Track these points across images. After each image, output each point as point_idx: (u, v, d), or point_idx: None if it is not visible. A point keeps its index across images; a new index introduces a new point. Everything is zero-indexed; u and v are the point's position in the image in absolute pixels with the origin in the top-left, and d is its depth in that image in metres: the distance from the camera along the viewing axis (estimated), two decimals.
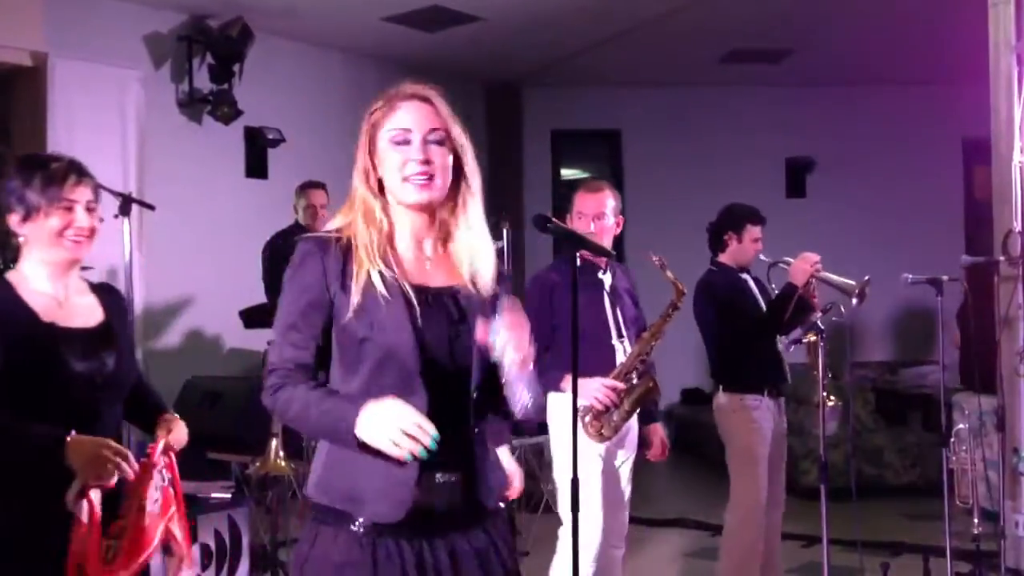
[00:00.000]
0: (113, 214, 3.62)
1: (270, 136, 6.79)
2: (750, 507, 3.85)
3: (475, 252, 1.87)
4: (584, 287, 3.24)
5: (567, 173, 8.74)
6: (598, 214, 3.46)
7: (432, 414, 1.71)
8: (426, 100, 1.83)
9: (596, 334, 3.39)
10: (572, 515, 2.76)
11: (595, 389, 3.30)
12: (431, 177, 1.80)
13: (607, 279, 3.51)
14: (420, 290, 1.80)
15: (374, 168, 1.84)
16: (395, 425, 1.64)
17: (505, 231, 5.68)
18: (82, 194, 2.22)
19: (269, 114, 6.80)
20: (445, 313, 1.82)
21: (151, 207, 3.86)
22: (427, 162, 1.80)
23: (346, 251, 1.80)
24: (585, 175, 8.95)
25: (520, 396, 1.73)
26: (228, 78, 6.47)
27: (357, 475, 1.76)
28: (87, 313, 2.27)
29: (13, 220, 2.21)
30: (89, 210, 2.24)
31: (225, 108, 6.45)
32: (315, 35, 6.97)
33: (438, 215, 1.87)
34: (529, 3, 6.39)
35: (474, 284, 1.86)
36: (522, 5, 6.42)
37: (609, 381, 3.34)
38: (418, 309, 1.77)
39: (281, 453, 3.64)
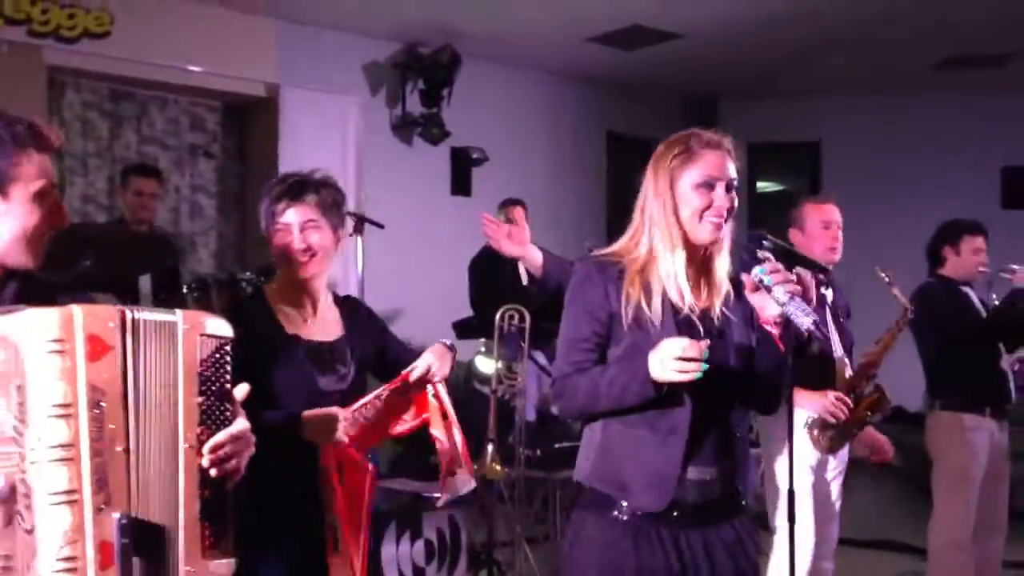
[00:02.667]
0: (348, 233, 3.95)
1: (474, 156, 7.12)
2: (955, 530, 3.73)
3: (727, 277, 2.08)
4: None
5: (763, 186, 8.64)
6: (840, 224, 3.45)
7: (696, 419, 1.95)
8: (726, 150, 2.04)
9: (821, 351, 3.35)
10: (789, 525, 2.80)
11: (827, 403, 3.28)
12: (726, 220, 2.02)
13: (829, 294, 3.45)
14: (688, 310, 2.01)
15: (676, 206, 2.02)
16: (672, 357, 1.83)
17: None
18: (296, 215, 2.31)
19: (474, 134, 7.13)
20: (707, 330, 2.01)
21: (380, 226, 4.16)
22: (730, 209, 2.02)
23: (621, 273, 2.02)
24: (782, 188, 8.82)
25: (801, 320, 1.87)
26: (437, 102, 6.84)
27: (625, 466, 1.99)
28: (329, 328, 2.42)
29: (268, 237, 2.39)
30: (306, 229, 2.32)
31: (434, 130, 6.83)
32: (518, 58, 7.24)
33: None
34: (729, 19, 6.39)
35: (732, 305, 2.06)
36: (722, 21, 6.43)
37: (839, 395, 3.29)
38: (694, 326, 1.99)
39: (496, 458, 3.84)
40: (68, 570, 1.39)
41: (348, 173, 6.52)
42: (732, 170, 2.03)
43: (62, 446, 1.41)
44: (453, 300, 5.97)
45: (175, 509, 1.52)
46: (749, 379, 2.03)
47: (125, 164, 5.35)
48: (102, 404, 1.45)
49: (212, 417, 1.58)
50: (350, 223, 3.94)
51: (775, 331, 1.97)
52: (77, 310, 1.46)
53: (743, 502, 2.09)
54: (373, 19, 6.42)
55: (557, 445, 4.34)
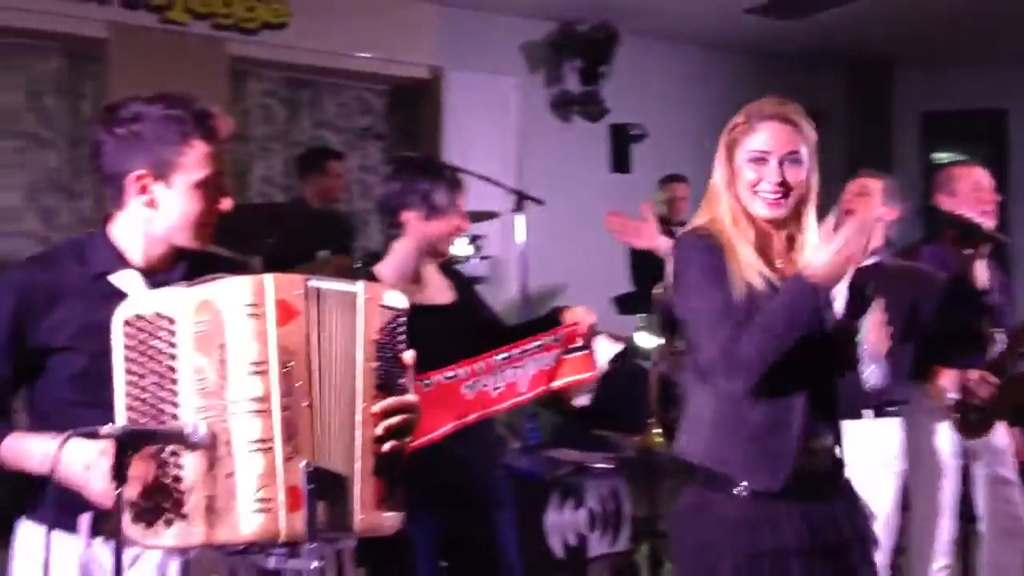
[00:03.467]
0: (510, 209, 4.07)
1: (633, 132, 7.11)
2: None
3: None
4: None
5: (940, 157, 8.22)
6: (992, 189, 3.29)
7: (812, 397, 1.94)
8: (787, 121, 1.96)
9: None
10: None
11: (971, 382, 3.15)
12: (784, 196, 1.95)
13: (985, 267, 3.30)
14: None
15: (733, 179, 2.00)
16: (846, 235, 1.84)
17: None
18: (465, 201, 2.61)
19: (633, 111, 7.11)
20: None
21: (541, 202, 4.25)
22: (782, 184, 1.95)
23: (722, 247, 1.97)
24: (961, 158, 8.37)
25: (871, 378, 1.92)
26: (596, 79, 6.87)
27: (738, 446, 1.94)
28: (441, 293, 2.62)
29: (410, 216, 2.53)
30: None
31: (593, 107, 6.88)
32: (678, 32, 7.16)
33: (784, 224, 2.02)
34: None
35: None
36: None
37: (983, 373, 3.14)
38: None
39: (658, 431, 3.88)
40: (263, 510, 1.54)
41: (508, 152, 6.64)
42: (795, 143, 1.95)
43: (257, 399, 1.56)
44: (613, 276, 6.01)
45: (352, 462, 1.64)
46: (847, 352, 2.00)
47: (311, 148, 5.65)
48: (290, 363, 1.58)
49: (386, 382, 1.69)
50: (510, 200, 4.05)
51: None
52: (268, 278, 1.60)
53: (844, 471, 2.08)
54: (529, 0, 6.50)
55: None
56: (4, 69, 5.40)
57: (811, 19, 6.82)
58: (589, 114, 6.91)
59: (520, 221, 4.10)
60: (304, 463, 1.56)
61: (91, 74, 5.60)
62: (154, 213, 1.78)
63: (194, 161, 1.75)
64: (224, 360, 1.56)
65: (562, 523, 3.74)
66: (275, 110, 6.32)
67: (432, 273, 2.63)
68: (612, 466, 3.93)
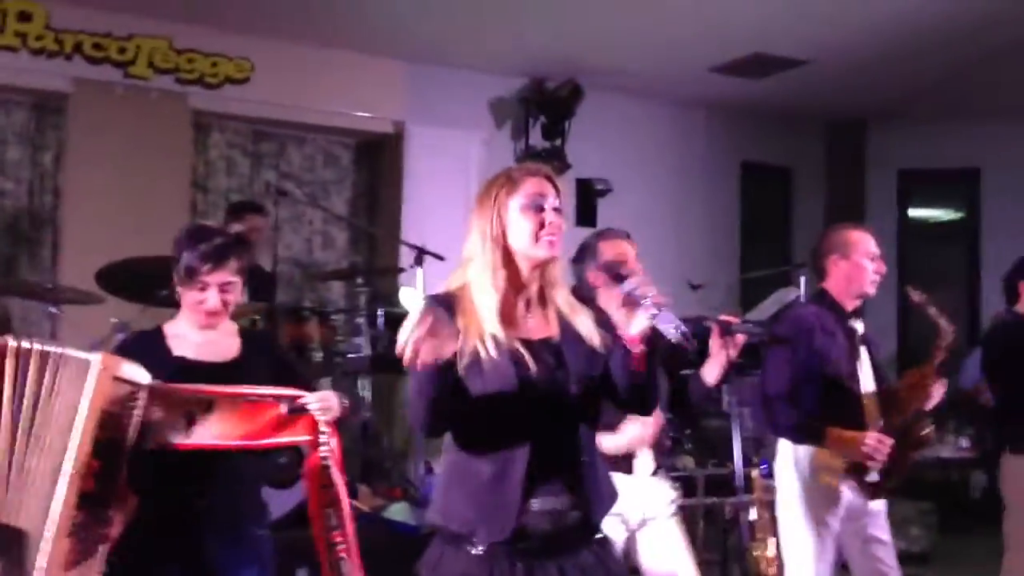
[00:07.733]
0: (409, 264, 4.15)
1: (599, 187, 7.17)
2: None
3: (570, 306, 2.08)
4: (838, 333, 3.15)
5: (916, 214, 8.15)
6: (876, 256, 3.26)
7: (537, 450, 1.95)
8: (547, 176, 2.10)
9: (848, 385, 3.17)
10: None
11: (866, 445, 3.06)
12: (559, 238, 2.05)
13: (859, 326, 3.27)
14: (524, 343, 2.01)
15: (504, 234, 2.05)
16: None
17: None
18: (217, 278, 2.47)
19: (599, 166, 7.18)
20: (545, 361, 2.01)
21: (441, 258, 4.33)
22: (558, 226, 2.05)
23: (456, 309, 2.01)
24: (937, 215, 8.30)
25: (669, 332, 1.93)
26: (560, 134, 6.97)
27: (465, 500, 2.00)
28: (223, 352, 2.50)
29: (175, 278, 2.52)
30: (224, 291, 2.49)
31: (556, 162, 6.94)
32: (643, 88, 7.23)
33: (538, 276, 2.07)
34: (856, 44, 6.13)
35: (570, 334, 2.05)
36: (849, 46, 6.18)
37: (878, 435, 3.04)
38: (523, 359, 1.99)
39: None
40: None
41: (469, 207, 6.70)
42: (557, 195, 2.09)
43: None
44: None
45: (45, 520, 1.69)
46: (593, 402, 2.06)
47: (236, 201, 5.77)
48: None
49: (108, 451, 1.75)
50: (411, 254, 4.13)
51: (637, 349, 1.98)
52: None
53: (597, 529, 2.08)
54: (499, 56, 6.61)
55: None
56: None
57: (781, 76, 6.86)
58: (553, 168, 6.96)
59: (419, 275, 4.18)
60: None
61: (54, 126, 5.82)
62: None
63: None
64: None
65: None
66: (239, 161, 6.48)
67: (227, 333, 2.56)
68: None
